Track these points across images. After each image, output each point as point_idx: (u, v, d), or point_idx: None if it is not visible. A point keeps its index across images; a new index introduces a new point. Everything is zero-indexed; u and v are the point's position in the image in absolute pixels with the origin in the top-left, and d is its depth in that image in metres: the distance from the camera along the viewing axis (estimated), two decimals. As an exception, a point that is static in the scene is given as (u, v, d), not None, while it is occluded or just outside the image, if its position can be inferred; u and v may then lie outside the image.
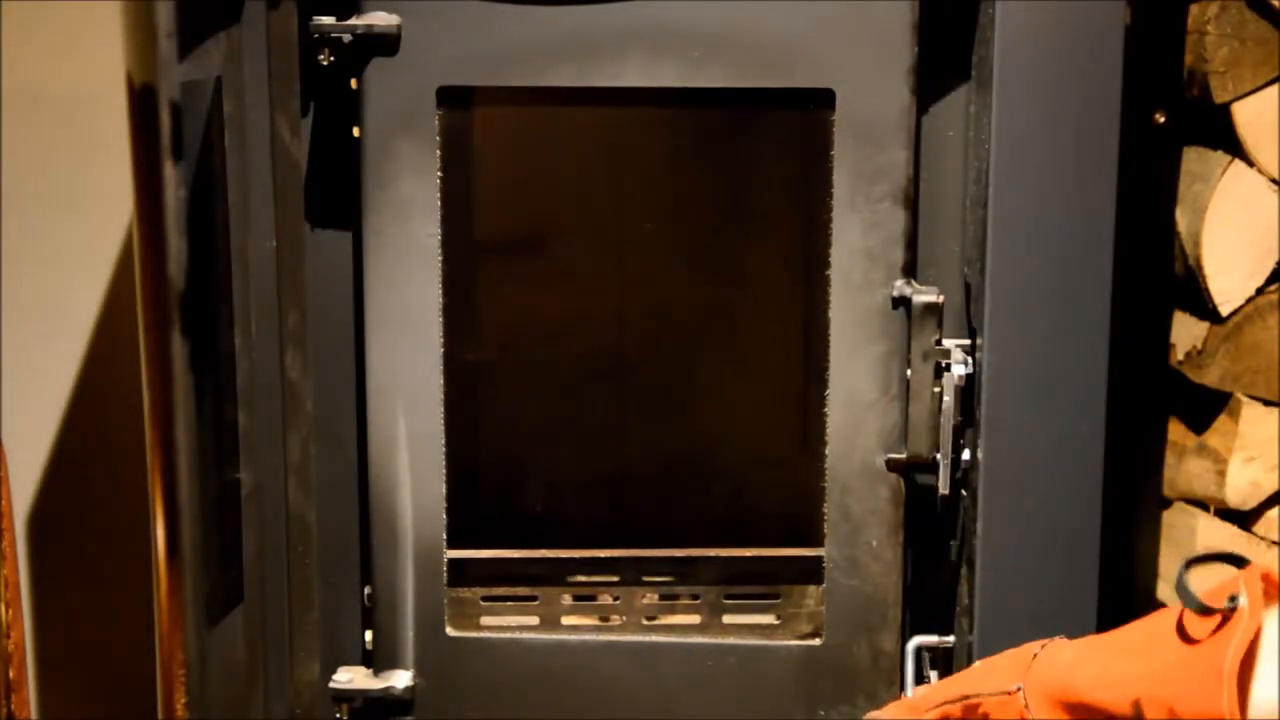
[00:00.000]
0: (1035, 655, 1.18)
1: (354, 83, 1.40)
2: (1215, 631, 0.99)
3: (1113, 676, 1.06)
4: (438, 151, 1.40)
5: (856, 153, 1.38)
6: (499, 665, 1.49)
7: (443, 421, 1.45)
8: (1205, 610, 0.99)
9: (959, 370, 1.39)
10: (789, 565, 1.54)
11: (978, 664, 1.28)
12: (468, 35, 1.37)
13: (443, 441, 1.45)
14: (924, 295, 1.39)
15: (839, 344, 1.42)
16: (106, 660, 1.95)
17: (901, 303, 1.40)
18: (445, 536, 1.47)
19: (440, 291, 1.42)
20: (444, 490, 1.46)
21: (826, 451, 1.44)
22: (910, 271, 1.41)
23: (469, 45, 1.38)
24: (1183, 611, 1.02)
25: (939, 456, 1.40)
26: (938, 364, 1.40)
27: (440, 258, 1.42)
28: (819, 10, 1.37)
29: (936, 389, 1.40)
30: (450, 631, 1.48)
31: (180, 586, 1.29)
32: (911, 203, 1.39)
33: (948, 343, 1.42)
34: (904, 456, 1.42)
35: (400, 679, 1.48)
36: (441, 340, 1.43)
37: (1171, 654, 1.01)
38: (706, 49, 1.38)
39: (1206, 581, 1.44)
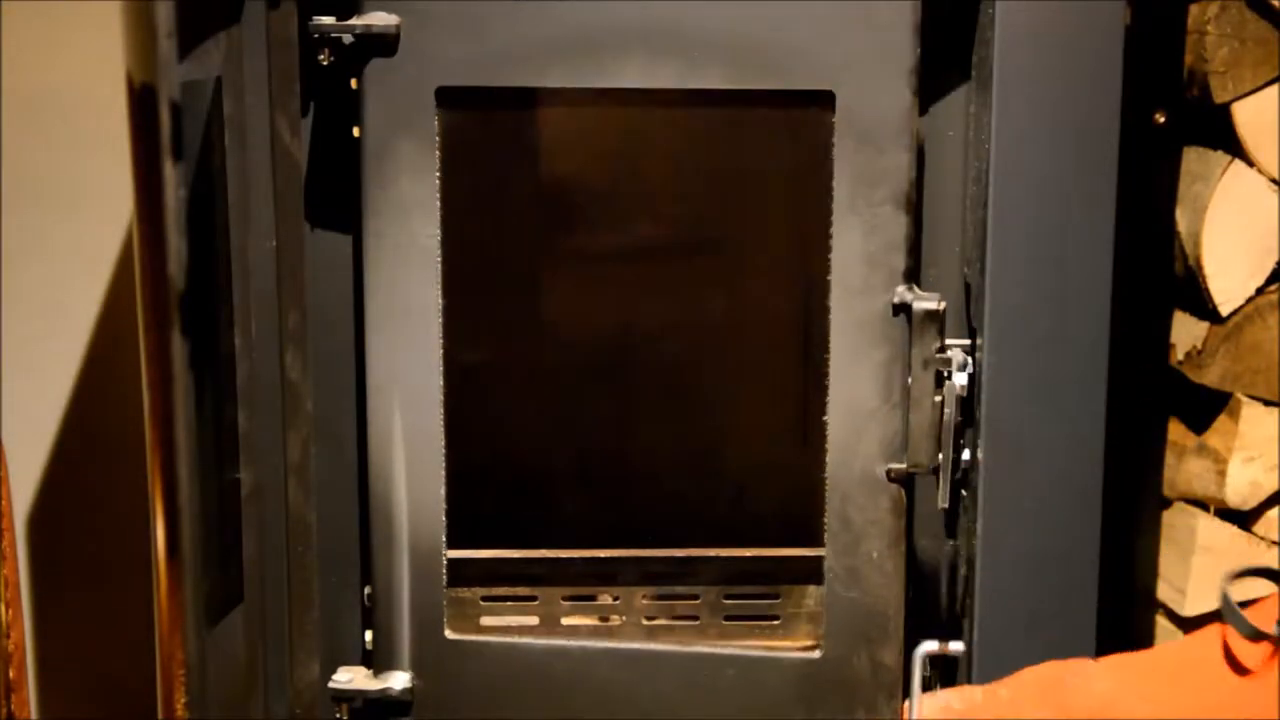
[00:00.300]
0: (1064, 682, 1.12)
1: (354, 83, 1.40)
2: (1272, 657, 0.94)
3: (1158, 709, 1.01)
4: (437, 152, 1.40)
5: (857, 156, 1.36)
6: (497, 669, 1.48)
7: (442, 422, 1.44)
8: (1258, 636, 0.95)
9: (960, 379, 1.37)
10: (789, 566, 1.54)
11: (1000, 690, 1.21)
12: (467, 35, 1.37)
13: (442, 442, 1.45)
14: (925, 302, 1.37)
15: (839, 350, 1.40)
16: (106, 660, 1.95)
17: (902, 309, 1.38)
18: (445, 538, 1.46)
19: (440, 292, 1.42)
20: (443, 491, 1.45)
21: (826, 460, 1.43)
22: (912, 277, 1.39)
23: (468, 45, 1.37)
24: (1226, 633, 0.98)
25: (939, 467, 1.38)
26: (939, 372, 1.38)
27: (439, 259, 1.42)
28: (819, 10, 1.36)
29: (938, 398, 1.38)
30: (449, 634, 1.47)
31: (180, 586, 1.29)
32: (913, 207, 1.38)
33: (950, 343, 1.42)
34: (905, 466, 1.40)
35: (398, 680, 1.48)
36: (441, 341, 1.43)
37: (1223, 684, 0.97)
38: (707, 50, 1.37)
39: (1205, 578, 1.43)
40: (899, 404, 1.40)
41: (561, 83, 1.38)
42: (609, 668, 1.47)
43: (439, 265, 1.42)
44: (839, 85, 1.36)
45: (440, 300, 1.42)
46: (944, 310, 1.37)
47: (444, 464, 1.45)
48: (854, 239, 1.38)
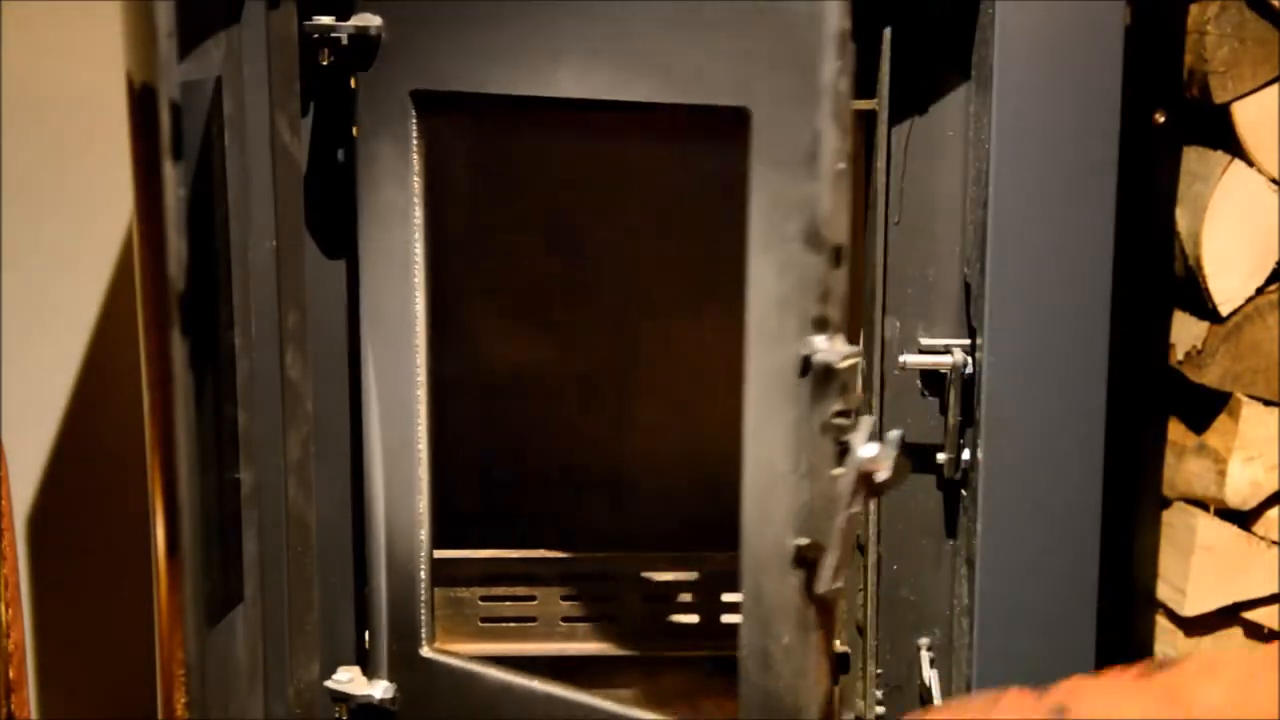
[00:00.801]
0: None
1: (353, 82, 1.40)
2: None
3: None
4: (415, 156, 1.38)
5: (771, 182, 1.17)
6: (463, 693, 1.46)
7: (424, 432, 1.43)
8: None
9: (868, 451, 1.14)
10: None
11: None
12: (441, 38, 1.35)
13: (423, 454, 1.43)
14: (823, 356, 1.14)
15: (752, 403, 1.21)
16: (106, 660, 1.95)
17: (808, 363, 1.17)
18: (424, 553, 1.45)
19: (421, 297, 1.41)
20: (424, 504, 1.44)
21: (741, 525, 1.24)
22: (825, 327, 1.16)
23: (443, 48, 1.35)
24: None
25: (828, 547, 1.17)
26: (839, 441, 1.15)
27: (419, 262, 1.40)
28: (734, 14, 1.19)
29: (838, 470, 1.15)
30: (424, 651, 1.46)
31: (180, 586, 1.29)
32: (830, 247, 1.14)
33: (950, 343, 1.42)
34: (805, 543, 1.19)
35: (379, 689, 1.48)
36: (423, 347, 1.42)
37: None
38: (633, 60, 1.25)
39: (1206, 577, 1.43)
40: (808, 472, 1.18)
41: (507, 89, 1.32)
42: (559, 713, 1.41)
43: (419, 269, 1.40)
44: (754, 101, 1.17)
45: (422, 305, 1.41)
46: (849, 367, 1.15)
47: (425, 477, 1.44)
48: (766, 278, 1.19)
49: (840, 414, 1.15)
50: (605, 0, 1.25)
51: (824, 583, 1.17)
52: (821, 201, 1.13)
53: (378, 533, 1.45)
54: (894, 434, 1.15)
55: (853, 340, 1.50)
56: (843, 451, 1.15)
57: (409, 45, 1.36)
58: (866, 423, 1.16)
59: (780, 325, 1.17)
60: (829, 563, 1.16)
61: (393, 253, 1.40)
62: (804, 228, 1.15)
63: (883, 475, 1.14)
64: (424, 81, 1.36)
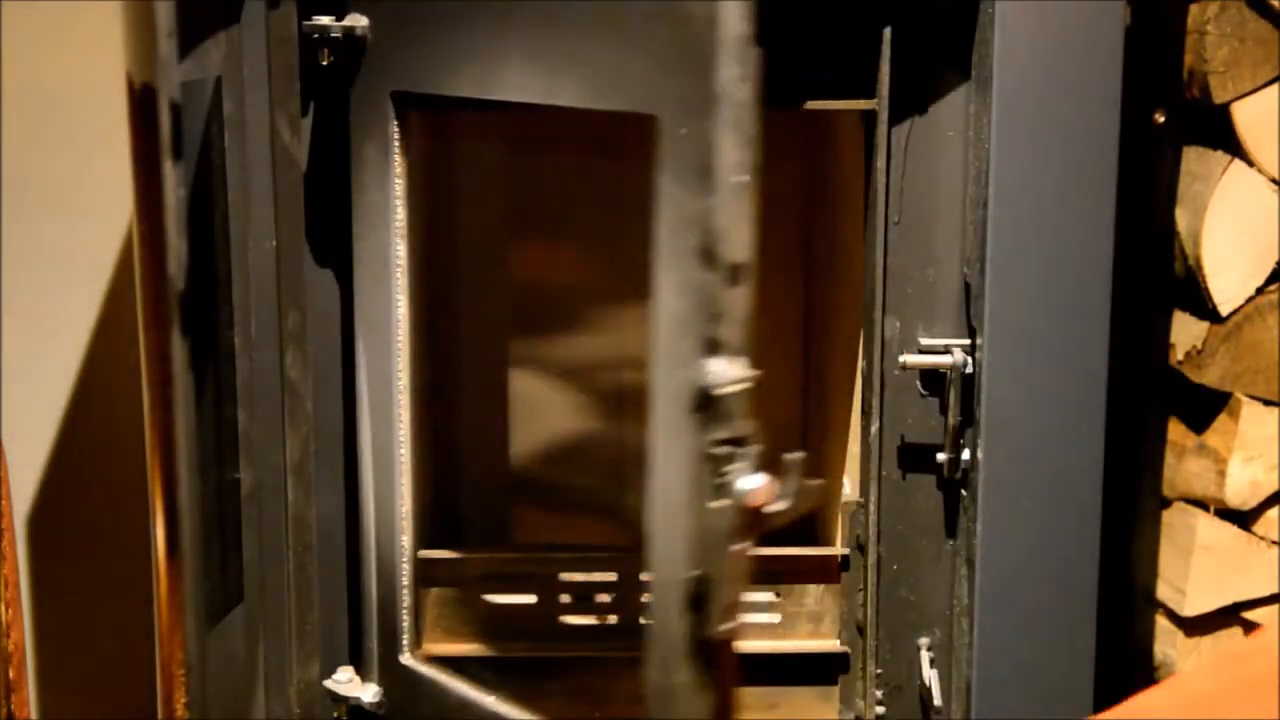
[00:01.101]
0: None
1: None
2: None
3: None
4: (396, 157, 1.38)
5: (673, 195, 1.11)
6: (435, 704, 1.47)
7: (417, 432, 1.43)
8: None
9: (750, 482, 1.05)
10: (789, 565, 1.54)
11: None
12: (424, 40, 1.34)
13: (405, 458, 1.43)
14: (706, 380, 1.06)
15: (657, 428, 1.15)
16: (106, 660, 1.95)
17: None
18: (407, 564, 1.45)
19: (404, 299, 1.41)
20: (406, 508, 1.44)
21: (649, 555, 1.18)
22: (718, 350, 1.07)
23: (423, 50, 1.34)
24: None
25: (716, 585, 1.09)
26: (719, 472, 1.06)
27: (399, 262, 1.40)
28: (640, 16, 1.14)
29: (717, 503, 1.06)
30: (404, 659, 1.47)
31: (180, 586, 1.29)
32: (728, 265, 1.05)
33: (950, 343, 1.41)
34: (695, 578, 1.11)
35: (367, 692, 1.48)
36: (412, 349, 1.42)
37: None
38: (561, 63, 1.22)
39: (1205, 577, 1.43)
40: (695, 503, 1.11)
41: (466, 92, 1.30)
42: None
43: (401, 271, 1.40)
44: (661, 109, 1.11)
45: (405, 308, 1.41)
46: (733, 394, 1.06)
47: (407, 482, 1.44)
48: (668, 295, 1.13)
49: (724, 442, 1.05)
50: (543, 1, 1.23)
51: (711, 623, 1.09)
52: (717, 216, 1.05)
53: (368, 536, 1.45)
54: (793, 456, 1.07)
55: (853, 341, 1.51)
56: (724, 484, 1.06)
57: (391, 47, 1.36)
58: (751, 453, 1.06)
59: (679, 346, 1.11)
60: (716, 602, 1.08)
61: (378, 255, 1.40)
62: (699, 245, 1.07)
63: (775, 507, 1.06)
64: (403, 83, 1.36)
